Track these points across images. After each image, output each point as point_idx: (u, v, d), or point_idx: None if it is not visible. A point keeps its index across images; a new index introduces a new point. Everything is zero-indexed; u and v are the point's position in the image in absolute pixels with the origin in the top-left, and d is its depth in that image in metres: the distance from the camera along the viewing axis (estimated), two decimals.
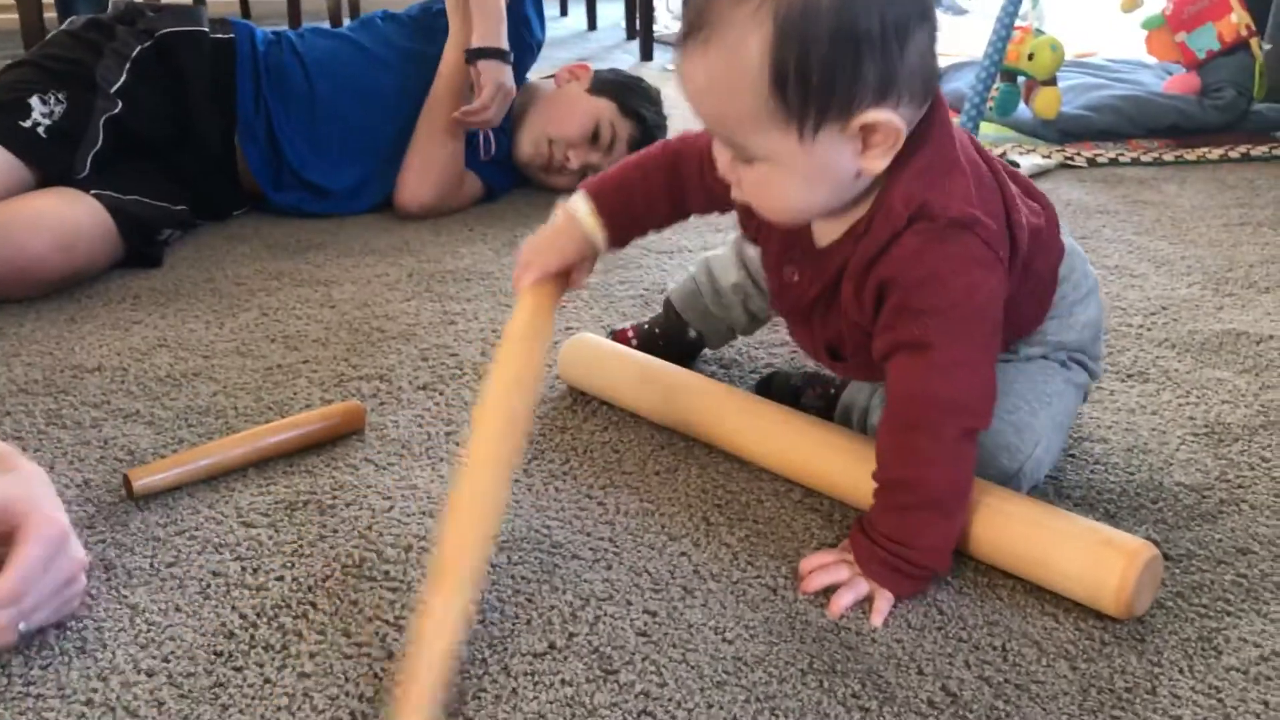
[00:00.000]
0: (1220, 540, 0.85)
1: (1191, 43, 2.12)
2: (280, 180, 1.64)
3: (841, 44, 0.70)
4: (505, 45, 1.62)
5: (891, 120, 0.73)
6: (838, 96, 0.71)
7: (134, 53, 1.52)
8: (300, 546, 0.84)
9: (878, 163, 0.75)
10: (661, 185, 0.94)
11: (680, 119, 2.33)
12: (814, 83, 0.71)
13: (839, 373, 0.98)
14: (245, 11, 4.08)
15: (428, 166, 1.66)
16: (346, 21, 3.45)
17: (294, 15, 3.12)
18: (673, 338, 1.14)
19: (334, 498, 0.91)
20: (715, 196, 0.89)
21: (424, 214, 1.66)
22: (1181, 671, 0.71)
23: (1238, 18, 2.08)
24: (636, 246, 1.52)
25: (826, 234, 0.83)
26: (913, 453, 0.79)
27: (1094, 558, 0.76)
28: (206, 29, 1.60)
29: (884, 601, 0.77)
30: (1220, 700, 0.69)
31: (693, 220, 1.56)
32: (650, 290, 1.38)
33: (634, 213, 0.95)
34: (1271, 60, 2.43)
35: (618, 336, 1.15)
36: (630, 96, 1.79)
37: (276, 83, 1.62)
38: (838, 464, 0.90)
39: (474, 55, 1.61)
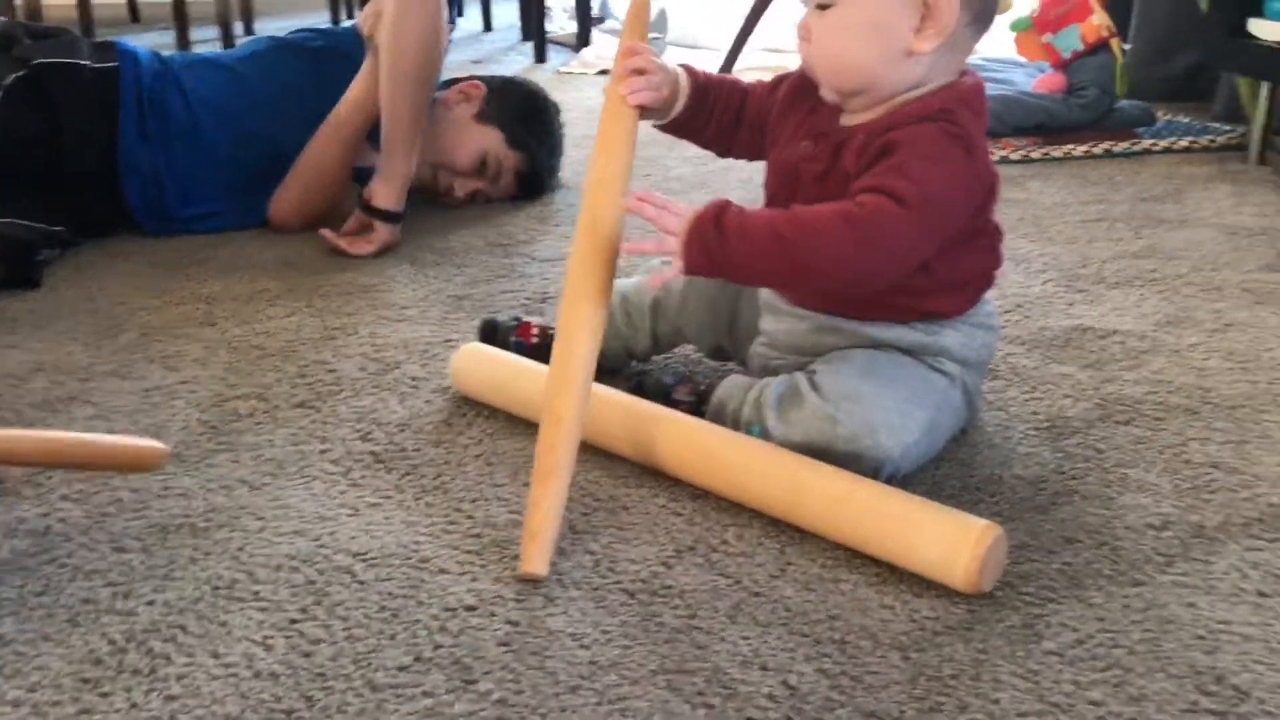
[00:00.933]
0: (1051, 530, 0.91)
1: (1057, 43, 2.21)
2: (160, 216, 1.63)
3: None
4: (402, 208, 1.60)
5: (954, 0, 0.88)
6: None
7: (6, 81, 1.50)
8: (171, 570, 0.86)
9: (926, 44, 0.90)
10: (733, 106, 1.08)
11: (572, 123, 2.36)
12: None
13: None
14: (134, 14, 4.02)
15: (307, 197, 1.66)
16: (238, 29, 3.42)
17: (182, 28, 3.08)
18: None
19: (207, 520, 0.93)
20: (757, 140, 1.07)
21: (297, 229, 1.67)
22: (1004, 657, 0.77)
23: (1099, 19, 2.17)
24: (518, 255, 1.57)
25: (851, 119, 0.97)
26: (832, 231, 0.88)
27: (945, 535, 0.82)
28: (86, 62, 1.58)
29: (677, 267, 0.91)
30: (1036, 683, 0.74)
31: (570, 230, 1.60)
32: (533, 298, 1.41)
33: (706, 105, 1.07)
34: (1132, 60, 2.54)
35: (520, 329, 1.19)
36: (519, 128, 1.78)
37: (160, 117, 1.60)
38: (710, 460, 0.95)
39: (375, 213, 1.58)
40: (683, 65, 1.07)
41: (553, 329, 1.19)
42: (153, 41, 3.41)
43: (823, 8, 0.93)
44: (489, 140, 1.75)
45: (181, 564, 0.87)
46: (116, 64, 1.60)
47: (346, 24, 1.79)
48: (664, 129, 1.09)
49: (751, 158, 1.11)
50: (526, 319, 1.21)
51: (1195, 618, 0.80)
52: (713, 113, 1.07)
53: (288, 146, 1.65)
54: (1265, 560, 0.87)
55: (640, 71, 1.02)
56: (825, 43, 0.94)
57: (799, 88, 1.03)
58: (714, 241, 0.90)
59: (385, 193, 1.57)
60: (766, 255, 0.89)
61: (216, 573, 0.85)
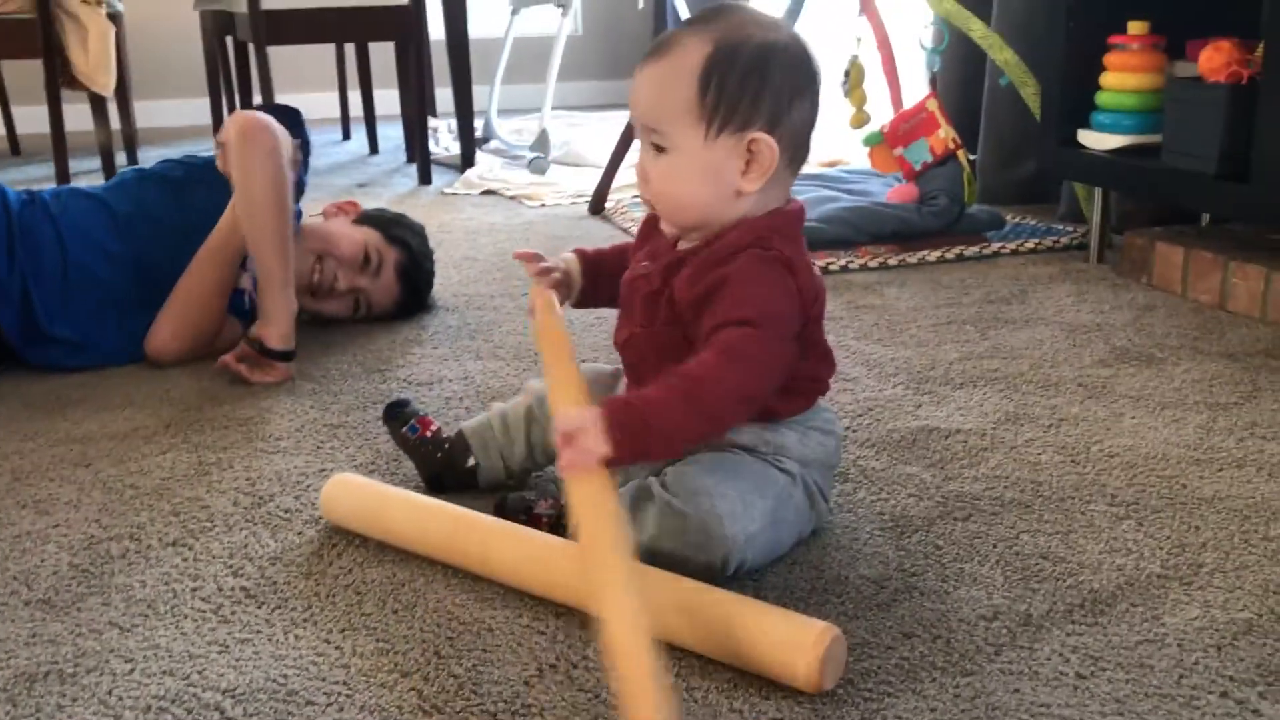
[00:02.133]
0: (890, 627, 0.97)
1: (908, 156, 2.36)
2: (32, 336, 1.65)
3: (753, 74, 0.99)
4: (293, 344, 1.64)
5: (773, 146, 0.99)
6: (740, 110, 0.99)
7: None
8: (38, 719, 0.87)
9: (752, 185, 1.01)
10: (624, 267, 1.16)
11: (454, 243, 2.43)
12: (727, 91, 0.98)
13: (629, 372, 1.14)
14: (15, 147, 4.01)
15: (183, 324, 1.69)
16: (120, 159, 3.44)
17: (61, 159, 3.09)
18: (454, 459, 1.23)
19: (76, 665, 0.94)
20: None
21: (171, 363, 1.69)
22: None
23: (945, 132, 2.32)
24: (395, 379, 1.61)
25: (684, 245, 1.07)
26: (714, 370, 0.94)
27: (787, 640, 0.87)
28: None
29: (594, 457, 0.89)
30: None
31: (447, 352, 1.65)
32: None
33: (601, 274, 1.19)
34: (982, 166, 2.71)
35: (420, 421, 1.25)
36: (394, 228, 1.89)
37: (30, 244, 1.64)
38: (568, 577, 0.99)
39: (272, 355, 1.61)
40: (575, 250, 1.21)
41: (448, 435, 1.23)
42: (35, 174, 3.41)
43: (659, 151, 1.02)
44: (369, 235, 1.84)
45: (48, 712, 0.88)
46: None
47: (206, 154, 1.83)
48: (575, 306, 1.22)
49: None
50: (430, 418, 1.26)
51: (1019, 703, 0.87)
52: (611, 280, 1.17)
53: (153, 270, 1.69)
54: (1084, 644, 0.94)
55: (546, 271, 1.17)
56: (663, 186, 1.04)
57: (646, 230, 1.14)
58: (631, 429, 0.91)
59: (276, 334, 1.61)
60: (683, 420, 0.93)
61: (84, 718, 0.87)
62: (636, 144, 1.08)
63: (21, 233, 1.64)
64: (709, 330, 0.98)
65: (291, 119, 1.77)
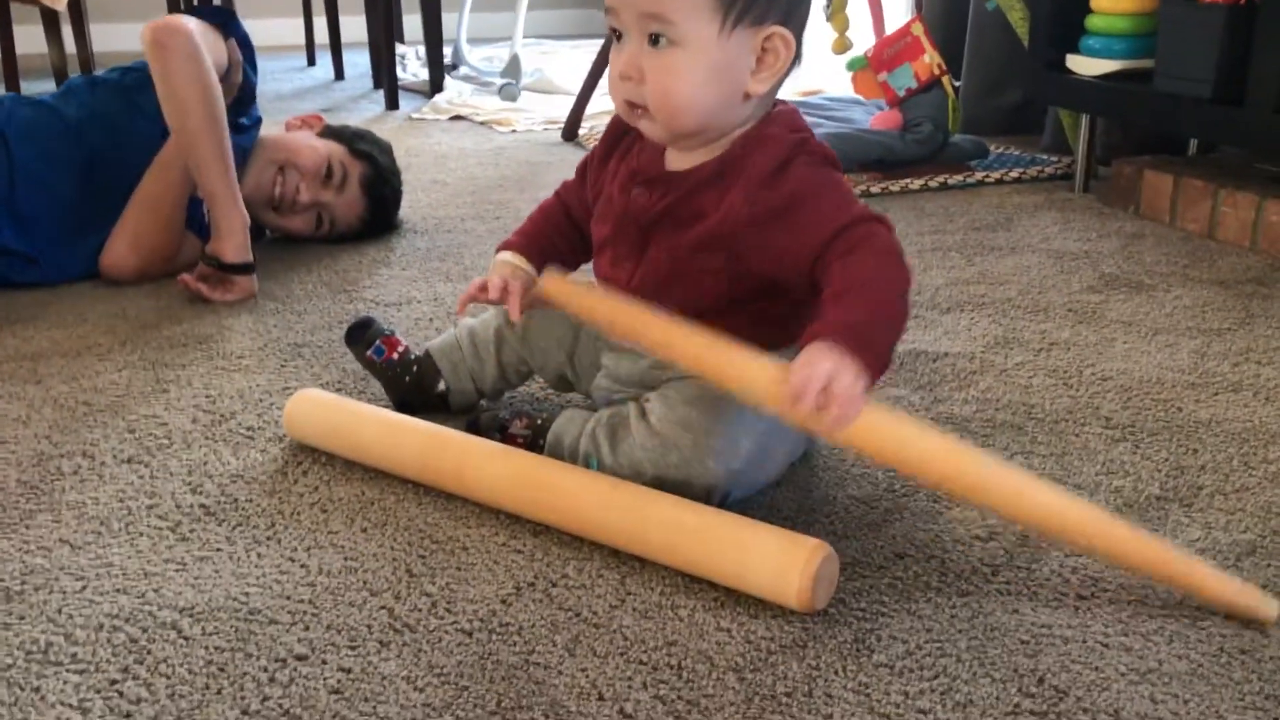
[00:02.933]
0: (882, 547, 0.93)
1: (892, 82, 2.29)
2: None
3: None
4: (251, 256, 1.57)
5: (790, 42, 0.92)
6: (760, 3, 0.90)
7: None
8: None
9: (762, 85, 0.93)
10: (563, 219, 1.11)
11: (422, 167, 2.36)
12: None
13: (628, 290, 1.02)
14: None
15: (140, 237, 1.62)
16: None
17: (11, 75, 2.97)
18: (424, 383, 1.17)
19: (23, 583, 0.88)
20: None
21: (131, 278, 1.62)
22: (836, 672, 0.78)
23: (930, 58, 2.26)
24: (362, 300, 1.55)
25: (680, 162, 0.98)
26: (886, 272, 0.87)
27: (777, 557, 0.83)
28: None
29: (859, 391, 0.79)
30: (867, 695, 0.75)
31: (416, 273, 1.59)
32: None
33: (548, 247, 1.09)
34: (965, 95, 2.66)
35: (386, 341, 1.18)
36: (359, 142, 1.82)
37: None
38: (548, 494, 0.94)
39: (231, 269, 1.54)
40: (504, 246, 1.09)
41: (415, 355, 1.17)
42: None
43: (657, 45, 0.91)
44: (333, 149, 1.76)
45: None
46: None
47: None
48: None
49: None
50: (397, 336, 1.20)
51: (1019, 623, 0.83)
52: (560, 252, 1.09)
53: (107, 178, 1.62)
54: (1084, 564, 0.90)
55: (505, 290, 1.03)
56: (664, 84, 0.92)
57: (612, 137, 1.05)
58: (866, 352, 0.81)
59: (231, 247, 1.54)
60: (891, 328, 0.86)
61: (31, 637, 0.81)
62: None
63: None
64: (831, 233, 0.89)
65: (223, 17, 1.68)
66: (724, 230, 0.94)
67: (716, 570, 0.86)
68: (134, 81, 1.68)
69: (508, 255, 1.08)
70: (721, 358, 0.88)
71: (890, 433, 0.85)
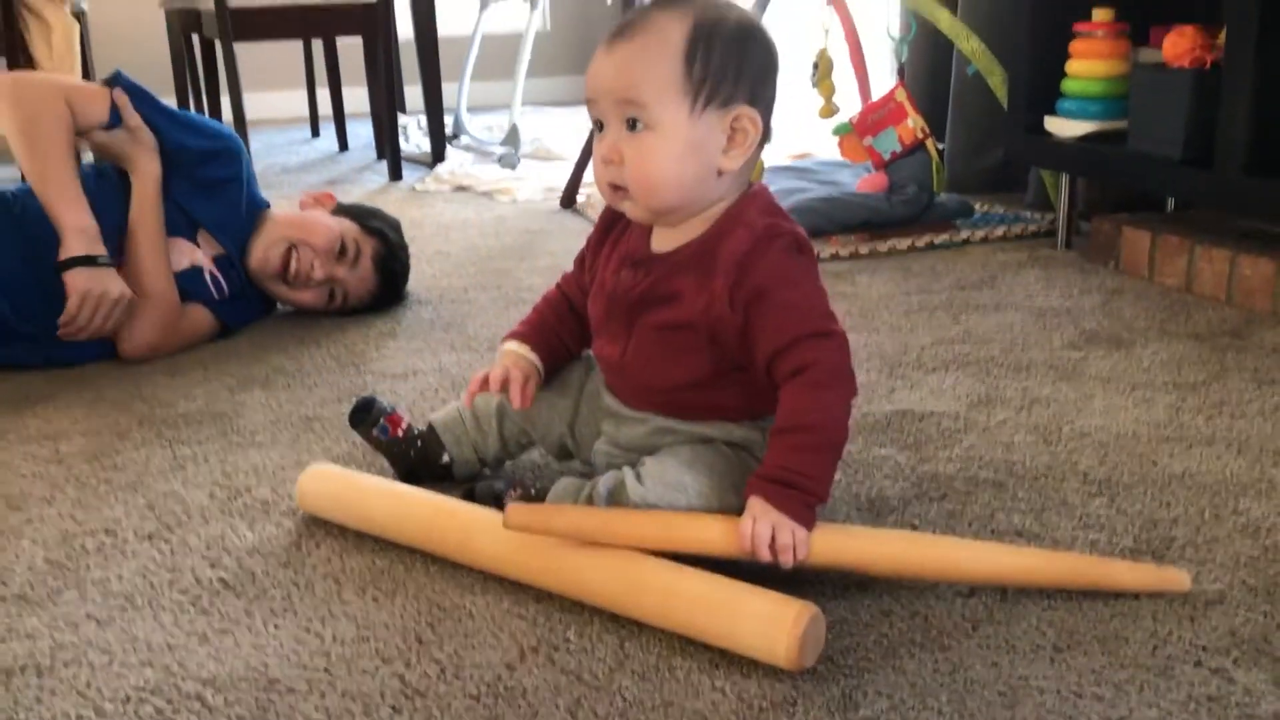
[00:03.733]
0: (869, 605, 0.98)
1: (877, 145, 2.37)
2: (2, 335, 1.63)
3: (737, 46, 0.99)
4: (93, 250, 1.60)
5: (757, 121, 1.00)
6: (726, 83, 0.98)
7: None
8: (15, 713, 0.86)
9: (734, 162, 1.00)
10: (565, 308, 1.18)
11: (426, 239, 2.42)
12: (713, 66, 0.97)
13: (616, 377, 1.12)
14: None
15: (140, 317, 1.66)
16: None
17: None
18: (428, 456, 1.22)
19: (53, 658, 0.93)
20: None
21: (146, 355, 1.68)
22: None
23: (914, 122, 2.33)
24: (369, 372, 1.60)
25: (663, 244, 1.05)
26: (824, 407, 0.96)
27: (766, 619, 0.88)
28: None
29: (803, 536, 0.93)
30: None
31: (421, 344, 1.65)
32: None
33: (550, 334, 1.17)
34: (950, 155, 2.73)
35: (390, 420, 1.23)
36: (371, 219, 1.90)
37: None
38: (547, 560, 0.99)
39: (67, 266, 1.59)
40: (511, 336, 1.16)
41: (419, 427, 1.23)
42: None
43: (633, 127, 0.98)
44: (346, 226, 1.83)
45: (26, 704, 0.87)
46: None
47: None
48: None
49: None
50: (399, 412, 1.25)
51: (997, 675, 0.88)
52: (562, 340, 1.17)
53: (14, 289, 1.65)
54: (1060, 618, 0.95)
55: (506, 381, 1.10)
56: (642, 165, 0.99)
57: (605, 224, 1.13)
58: (805, 501, 0.94)
59: (70, 245, 1.59)
60: (828, 465, 0.97)
61: (62, 710, 0.86)
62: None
63: None
64: (777, 348, 0.97)
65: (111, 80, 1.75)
66: (697, 314, 1.01)
67: (709, 633, 0.91)
68: (119, 175, 1.74)
69: (512, 345, 1.15)
70: (680, 531, 0.97)
71: (832, 551, 0.97)
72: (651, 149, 0.98)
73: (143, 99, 1.74)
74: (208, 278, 1.76)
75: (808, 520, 0.94)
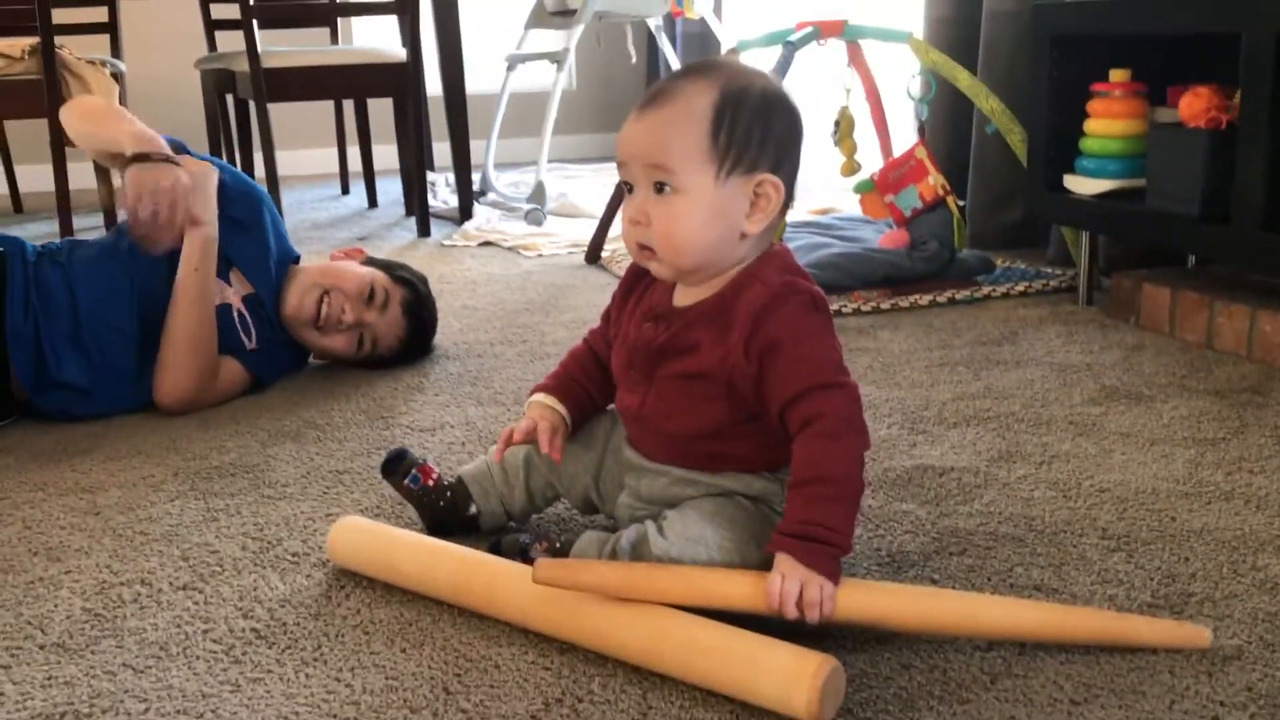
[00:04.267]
0: (889, 659, 0.99)
1: (899, 203, 2.40)
2: (43, 383, 1.68)
3: (761, 116, 1.02)
4: (145, 148, 1.69)
5: (780, 187, 1.03)
6: (750, 151, 1.02)
7: None
8: None
9: (756, 226, 1.04)
10: (591, 362, 1.22)
11: (453, 293, 2.47)
12: (738, 134, 1.01)
13: (636, 428, 1.14)
14: (17, 205, 4.06)
15: (177, 360, 1.71)
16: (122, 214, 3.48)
17: (64, 216, 3.13)
18: (456, 507, 1.25)
19: (91, 705, 0.96)
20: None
21: (184, 408, 1.72)
22: None
23: (934, 179, 2.37)
24: (398, 425, 1.63)
25: (684, 299, 1.09)
26: (837, 457, 0.98)
27: (786, 672, 0.90)
28: None
29: (830, 591, 0.94)
30: None
31: (449, 398, 1.68)
32: None
33: (578, 388, 1.21)
34: (972, 212, 2.76)
35: (421, 470, 1.26)
36: (399, 269, 1.96)
37: (43, 292, 1.68)
38: (572, 614, 1.01)
39: (135, 160, 1.68)
40: (538, 389, 1.21)
41: (449, 479, 1.26)
42: (38, 231, 3.45)
43: (660, 190, 1.02)
44: (375, 274, 1.89)
45: None
46: (3, 251, 1.69)
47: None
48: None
49: None
50: (430, 464, 1.28)
51: None
52: (589, 393, 1.21)
53: (155, 307, 1.73)
54: (1078, 672, 0.96)
55: (534, 433, 1.16)
56: (669, 227, 1.03)
57: (630, 280, 1.16)
58: (830, 554, 0.96)
59: (125, 145, 1.70)
60: (847, 515, 0.99)
61: None
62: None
63: (36, 284, 1.68)
64: (789, 398, 1.00)
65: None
66: (715, 363, 1.04)
67: (730, 686, 0.93)
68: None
69: (540, 397, 1.20)
70: (706, 587, 0.99)
71: (856, 607, 0.98)
72: (678, 212, 1.02)
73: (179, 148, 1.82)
74: (235, 316, 1.81)
75: (833, 574, 0.96)
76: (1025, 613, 1.01)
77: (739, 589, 0.98)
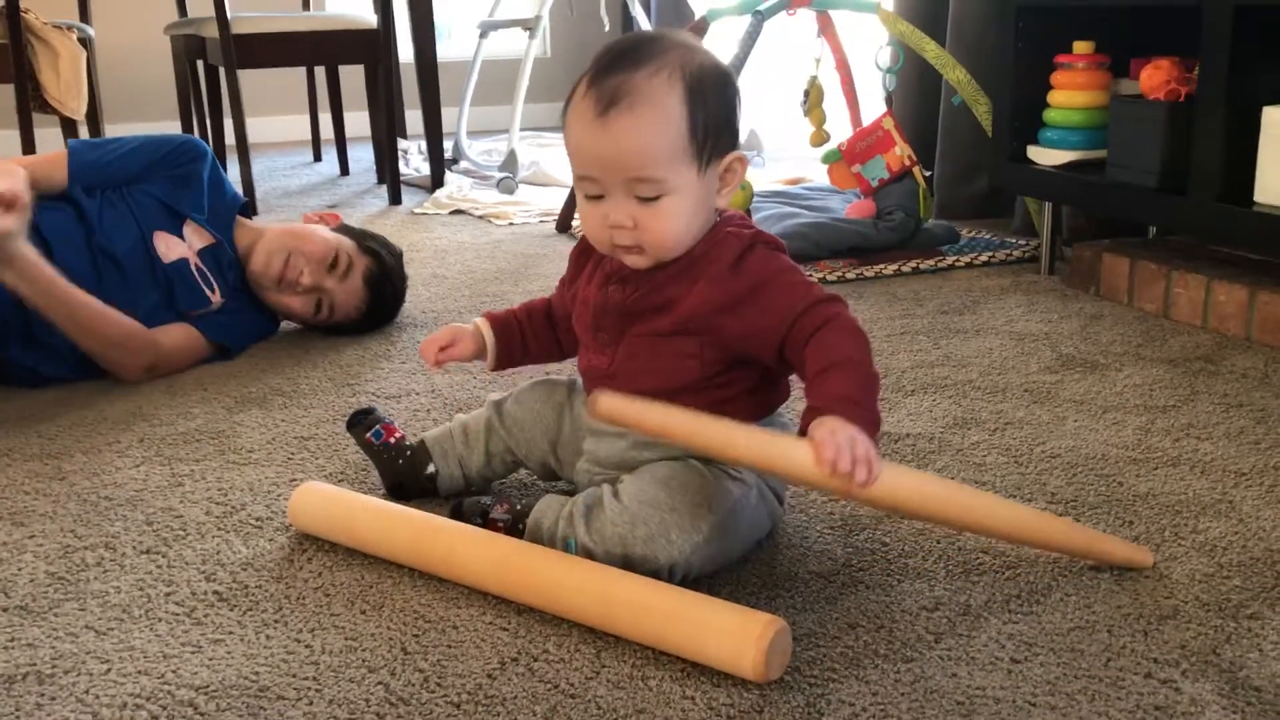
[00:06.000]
0: (837, 619, 1.02)
1: (865, 173, 2.42)
2: (29, 339, 1.68)
3: (722, 98, 1.05)
4: None
5: (745, 160, 1.08)
6: (723, 138, 1.05)
7: None
8: (18, 717, 0.90)
9: (725, 200, 1.08)
10: (542, 315, 1.26)
11: (423, 261, 2.47)
12: (711, 125, 1.03)
13: (601, 389, 1.11)
14: None
15: (102, 358, 1.69)
16: None
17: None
18: (415, 466, 1.27)
19: (53, 666, 0.97)
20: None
21: (144, 380, 1.72)
22: None
23: (901, 150, 2.39)
24: (364, 393, 1.64)
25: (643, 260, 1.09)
26: (856, 346, 1.00)
27: (733, 634, 0.92)
28: None
29: (875, 453, 0.90)
30: None
31: (415, 366, 1.69)
32: None
33: (516, 328, 1.26)
34: (939, 182, 2.78)
35: (385, 428, 1.30)
36: (370, 240, 1.97)
37: None
38: (527, 577, 1.03)
39: None
40: (485, 315, 1.26)
41: (410, 444, 1.27)
42: None
43: (645, 200, 1.02)
44: (343, 241, 1.90)
45: (27, 710, 0.91)
46: None
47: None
48: (495, 370, 1.28)
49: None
50: (395, 425, 1.30)
51: (956, 686, 0.92)
52: (524, 340, 1.25)
53: (119, 271, 1.74)
54: (1020, 631, 0.99)
55: (445, 346, 1.23)
56: (661, 228, 1.04)
57: (584, 247, 1.18)
58: (870, 421, 0.94)
59: None
60: (875, 389, 0.99)
61: (62, 716, 0.90)
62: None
63: None
64: (793, 317, 1.02)
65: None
66: (695, 315, 1.06)
67: (679, 647, 0.95)
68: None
69: (479, 320, 1.26)
70: (761, 447, 0.96)
71: (905, 485, 1.00)
72: (668, 214, 1.04)
73: (94, 150, 1.84)
74: (194, 271, 1.81)
75: (874, 439, 0.92)
76: (1023, 515, 1.08)
77: (798, 452, 0.92)
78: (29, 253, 1.57)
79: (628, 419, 0.96)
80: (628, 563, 1.02)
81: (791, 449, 0.93)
